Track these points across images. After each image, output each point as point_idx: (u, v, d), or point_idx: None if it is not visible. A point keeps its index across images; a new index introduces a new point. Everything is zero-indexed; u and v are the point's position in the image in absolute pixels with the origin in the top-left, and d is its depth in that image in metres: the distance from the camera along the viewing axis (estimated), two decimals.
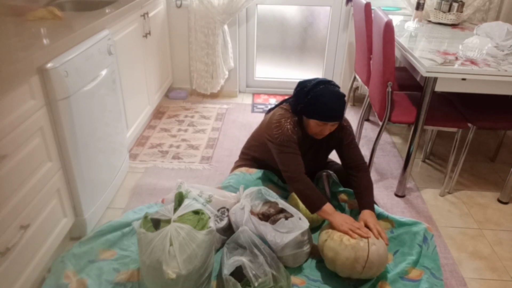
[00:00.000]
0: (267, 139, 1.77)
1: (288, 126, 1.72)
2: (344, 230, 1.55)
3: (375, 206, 1.82)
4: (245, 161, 2.04)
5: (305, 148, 1.83)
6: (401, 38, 2.28)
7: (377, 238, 1.54)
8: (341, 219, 1.60)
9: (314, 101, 1.65)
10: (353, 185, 1.79)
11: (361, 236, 1.53)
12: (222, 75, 3.26)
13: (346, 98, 3.03)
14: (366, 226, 1.59)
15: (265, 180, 1.94)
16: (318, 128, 1.70)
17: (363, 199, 1.72)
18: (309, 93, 1.68)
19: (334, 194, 1.92)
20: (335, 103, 1.64)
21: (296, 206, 1.77)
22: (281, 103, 1.89)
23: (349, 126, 1.83)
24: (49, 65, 1.43)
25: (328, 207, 1.63)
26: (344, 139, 1.80)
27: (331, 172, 1.96)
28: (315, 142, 1.84)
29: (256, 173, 1.94)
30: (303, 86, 1.73)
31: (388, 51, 1.97)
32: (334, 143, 1.85)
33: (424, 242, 1.70)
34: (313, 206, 1.65)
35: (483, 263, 1.78)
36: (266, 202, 1.78)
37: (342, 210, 1.90)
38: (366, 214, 1.65)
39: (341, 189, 1.91)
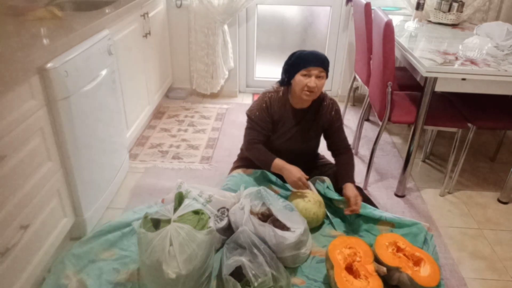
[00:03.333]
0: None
1: (262, 105, 1.87)
2: (290, 182, 1.81)
3: (375, 209, 1.84)
4: (241, 161, 2.07)
5: (293, 123, 1.90)
6: (401, 38, 2.28)
7: (354, 206, 1.76)
8: (291, 172, 1.80)
9: (294, 57, 1.79)
10: (336, 162, 1.97)
11: (300, 189, 1.82)
12: (222, 75, 3.26)
13: (346, 98, 3.04)
14: (347, 197, 1.79)
15: (263, 180, 1.94)
16: (304, 81, 1.76)
17: (345, 174, 1.89)
18: (291, 57, 1.82)
19: (330, 200, 1.92)
20: (315, 52, 1.78)
21: (296, 206, 1.77)
22: None
23: (339, 110, 1.94)
24: (49, 65, 1.43)
25: (277, 161, 1.84)
26: (334, 122, 1.92)
27: (325, 177, 1.96)
28: (304, 117, 1.90)
29: (253, 173, 1.95)
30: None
31: (388, 51, 1.97)
32: (325, 124, 1.93)
33: (425, 243, 1.70)
34: (266, 165, 1.88)
35: (483, 263, 1.78)
36: None
37: (339, 213, 1.90)
38: (349, 187, 1.82)
39: (337, 198, 1.88)
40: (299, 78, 1.76)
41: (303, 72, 1.75)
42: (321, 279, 1.61)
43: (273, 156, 1.86)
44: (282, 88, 1.90)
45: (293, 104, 1.88)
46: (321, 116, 1.91)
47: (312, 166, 2.05)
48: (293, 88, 1.82)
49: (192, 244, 1.38)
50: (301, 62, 1.76)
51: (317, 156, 2.13)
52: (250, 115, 1.90)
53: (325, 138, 1.99)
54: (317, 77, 1.75)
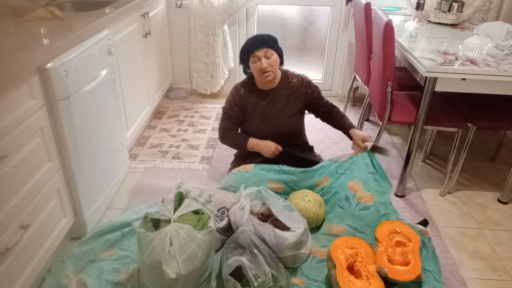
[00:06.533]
0: None
1: (230, 95, 2.01)
2: (268, 152, 1.95)
3: (387, 205, 1.84)
4: (238, 160, 2.09)
5: (265, 103, 1.99)
6: (401, 38, 2.28)
7: (362, 147, 1.92)
8: (266, 145, 1.96)
9: (241, 50, 1.93)
10: (333, 120, 2.07)
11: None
12: (222, 75, 3.26)
13: (346, 98, 3.04)
14: (357, 140, 1.93)
15: (264, 174, 1.93)
16: (256, 66, 1.88)
17: (345, 123, 2.02)
18: (240, 50, 1.94)
19: (342, 184, 1.91)
20: (254, 36, 1.91)
21: (296, 206, 1.77)
22: None
23: (311, 81, 2.04)
24: (49, 65, 1.43)
25: (251, 141, 1.98)
26: (313, 94, 2.02)
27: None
28: (274, 96, 1.99)
29: (253, 169, 1.94)
30: None
31: (388, 51, 1.97)
32: (306, 99, 2.02)
33: (423, 246, 1.69)
34: (242, 147, 2.02)
35: (483, 263, 1.78)
36: None
37: (349, 198, 1.88)
38: (355, 132, 1.97)
39: (352, 179, 1.89)
40: (252, 66, 1.90)
41: (252, 59, 1.88)
42: (321, 279, 1.61)
43: (247, 136, 2.00)
44: (247, 76, 2.03)
45: (261, 87, 1.99)
46: (295, 94, 1.99)
47: (301, 150, 2.10)
48: (255, 76, 1.95)
49: (192, 244, 1.38)
50: (246, 51, 1.89)
51: (308, 145, 2.17)
52: (223, 107, 2.05)
53: (312, 111, 2.09)
54: (266, 57, 1.86)
